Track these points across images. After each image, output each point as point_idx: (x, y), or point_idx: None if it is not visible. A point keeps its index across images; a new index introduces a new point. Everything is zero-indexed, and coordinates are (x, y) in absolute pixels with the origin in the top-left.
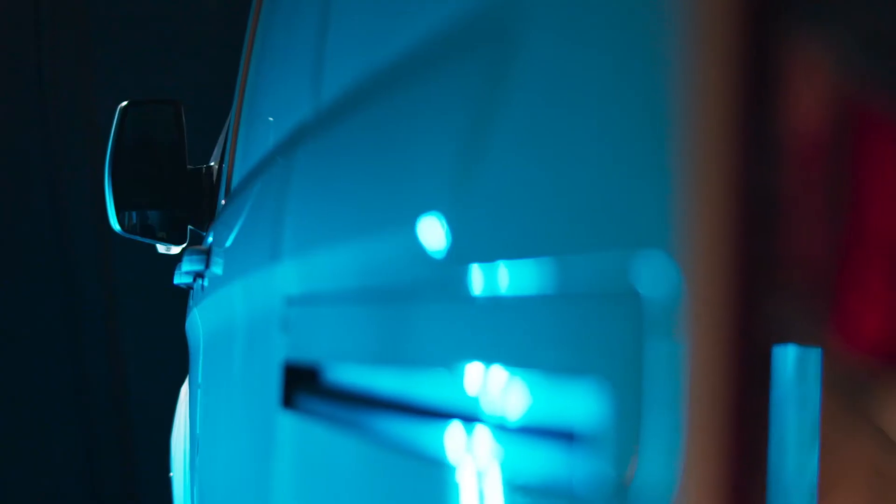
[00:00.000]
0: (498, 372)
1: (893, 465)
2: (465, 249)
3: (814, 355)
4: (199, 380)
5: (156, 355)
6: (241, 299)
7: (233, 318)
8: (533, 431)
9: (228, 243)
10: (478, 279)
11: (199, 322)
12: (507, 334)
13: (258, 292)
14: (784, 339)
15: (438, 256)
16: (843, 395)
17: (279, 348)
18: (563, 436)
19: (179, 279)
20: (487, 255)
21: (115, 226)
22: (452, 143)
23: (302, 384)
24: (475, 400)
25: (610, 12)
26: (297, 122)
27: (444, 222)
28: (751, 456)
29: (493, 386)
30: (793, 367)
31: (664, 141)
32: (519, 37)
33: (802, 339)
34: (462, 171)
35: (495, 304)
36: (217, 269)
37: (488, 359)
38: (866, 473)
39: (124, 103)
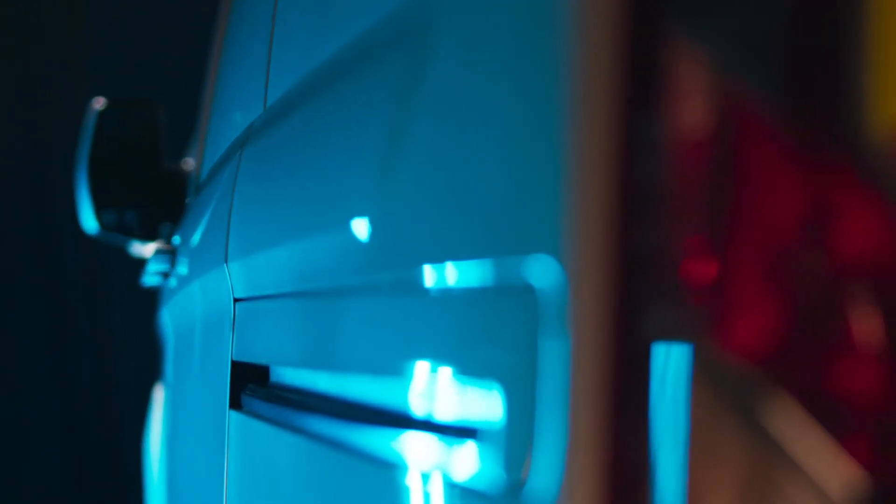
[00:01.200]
0: (410, 368)
1: (764, 461)
2: (381, 250)
3: (686, 352)
4: (168, 379)
5: (142, 354)
6: (199, 299)
7: (193, 317)
8: (441, 428)
9: (190, 242)
10: (391, 279)
11: (167, 322)
12: (418, 332)
13: (212, 292)
14: (663, 337)
15: (358, 258)
16: (717, 392)
17: (229, 348)
18: (466, 432)
19: (147, 279)
20: (400, 257)
21: (92, 226)
22: (372, 146)
23: (248, 384)
24: (390, 397)
25: (502, 14)
26: (247, 121)
27: (364, 224)
28: (632, 452)
29: (405, 383)
30: (668, 363)
31: (550, 142)
32: (428, 39)
33: (681, 337)
34: (380, 174)
35: (406, 303)
36: (181, 268)
37: (401, 356)
38: (738, 469)
39: (101, 103)
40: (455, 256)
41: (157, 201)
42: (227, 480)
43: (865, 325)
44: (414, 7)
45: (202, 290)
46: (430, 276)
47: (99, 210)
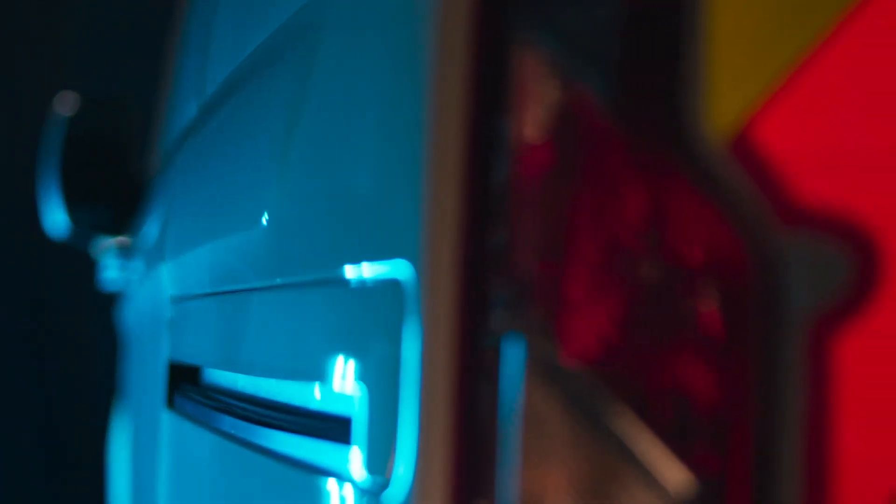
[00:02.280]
0: (290, 368)
1: (601, 458)
2: (271, 253)
3: (529, 350)
4: (120, 379)
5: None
6: (144, 297)
7: (139, 316)
8: (321, 427)
9: (138, 240)
10: (277, 282)
11: (121, 320)
12: (297, 333)
13: (153, 290)
14: (508, 335)
15: (254, 260)
16: (557, 389)
17: (166, 347)
18: (339, 430)
19: (103, 279)
20: (284, 259)
21: (60, 225)
22: (266, 150)
23: (181, 384)
24: (278, 396)
25: (369, 23)
26: (185, 120)
27: (257, 227)
28: (478, 449)
29: (289, 383)
30: (512, 361)
31: (407, 148)
32: (309, 48)
33: (525, 335)
34: (271, 178)
35: (286, 304)
36: (133, 266)
37: (284, 356)
38: (576, 462)
39: (69, 99)
40: (325, 258)
41: (129, 198)
42: (161, 481)
43: (700, 325)
44: (301, 15)
45: (146, 289)
46: (305, 277)
47: (70, 207)
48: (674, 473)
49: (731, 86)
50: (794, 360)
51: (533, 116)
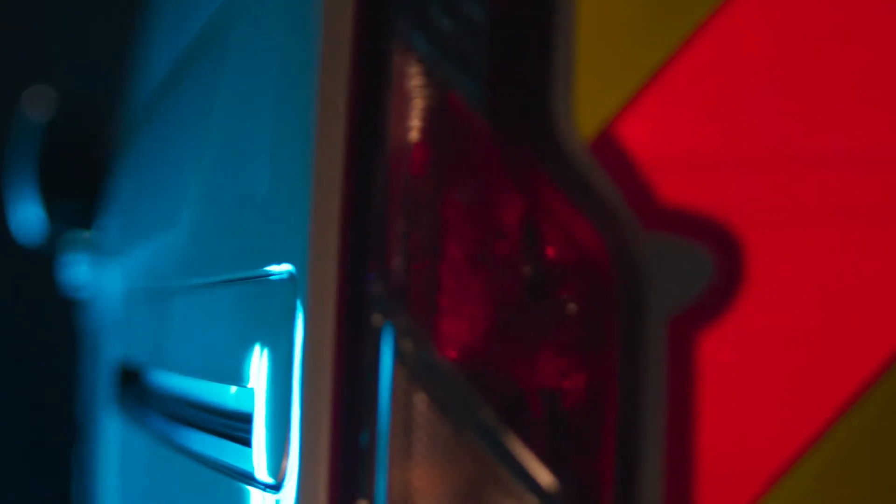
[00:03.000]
0: (198, 368)
1: (468, 455)
2: (181, 254)
3: (393, 349)
4: (83, 376)
5: None
6: (101, 295)
7: (98, 315)
8: (232, 420)
9: (99, 238)
10: (186, 283)
11: (83, 319)
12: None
13: (108, 286)
14: (384, 333)
15: (169, 260)
16: (426, 388)
17: (115, 346)
18: (239, 429)
19: (63, 278)
20: (197, 256)
21: (36, 223)
22: (177, 151)
23: (126, 382)
24: (190, 395)
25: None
26: (132, 117)
27: (171, 228)
28: (358, 443)
29: (198, 382)
30: (383, 359)
31: (295, 148)
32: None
33: (399, 335)
34: (180, 180)
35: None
36: (95, 264)
37: (190, 355)
38: (442, 463)
39: (38, 95)
40: (227, 259)
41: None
42: (108, 480)
43: (565, 325)
44: (213, 20)
45: (103, 284)
46: (212, 277)
47: (47, 203)
48: (541, 472)
49: (598, 88)
50: (658, 358)
51: (407, 119)
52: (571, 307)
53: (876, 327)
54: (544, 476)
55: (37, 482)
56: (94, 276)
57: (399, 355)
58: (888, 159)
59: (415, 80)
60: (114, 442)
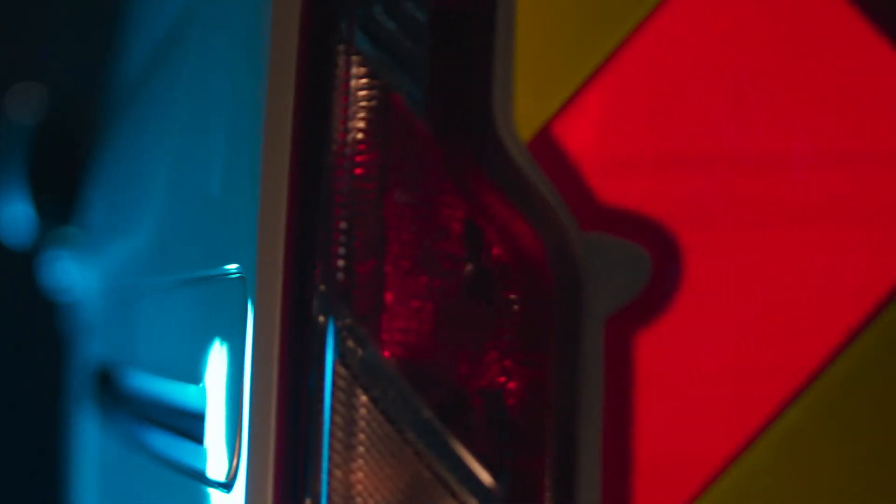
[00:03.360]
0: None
1: (408, 454)
2: (147, 253)
3: (335, 349)
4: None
5: None
6: (82, 296)
7: (78, 315)
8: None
9: (81, 234)
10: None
11: (66, 316)
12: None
13: (86, 289)
14: (326, 334)
15: (135, 259)
16: (366, 387)
17: (95, 345)
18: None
19: (43, 277)
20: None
21: (28, 221)
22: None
23: (102, 381)
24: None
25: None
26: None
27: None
28: (302, 442)
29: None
30: (327, 359)
31: (245, 150)
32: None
33: (341, 335)
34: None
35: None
36: (79, 260)
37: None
38: (383, 462)
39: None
40: (184, 259)
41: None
42: (81, 482)
43: (504, 325)
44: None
45: (83, 283)
46: (171, 277)
47: (36, 202)
48: (482, 472)
49: (537, 90)
50: (595, 358)
51: (351, 121)
52: (511, 307)
53: (812, 327)
54: (484, 476)
55: (18, 484)
56: (76, 275)
57: (342, 355)
58: (823, 159)
59: (358, 82)
60: (91, 443)
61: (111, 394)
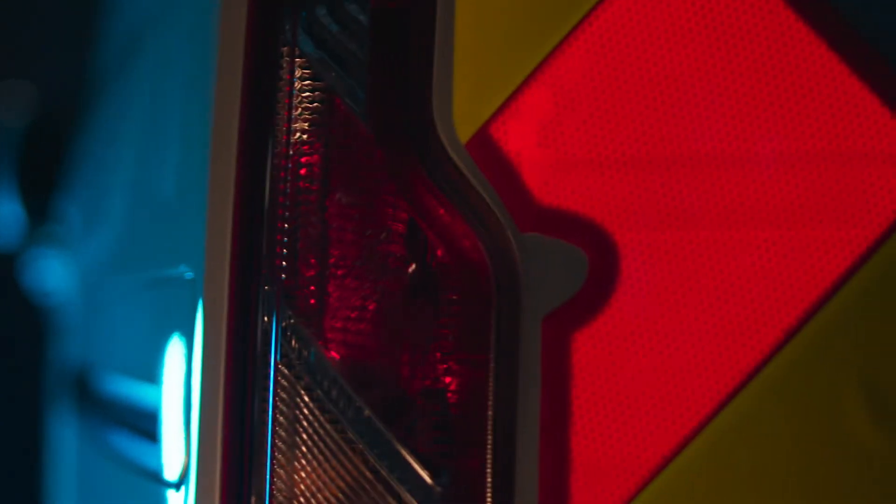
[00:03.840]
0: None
1: (349, 455)
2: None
3: (275, 350)
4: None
5: None
6: (63, 296)
7: (59, 315)
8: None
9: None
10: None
11: (46, 315)
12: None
13: (67, 289)
14: (268, 335)
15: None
16: (306, 388)
17: (72, 344)
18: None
19: (26, 275)
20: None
21: (19, 222)
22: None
23: (75, 383)
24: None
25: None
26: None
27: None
28: (247, 442)
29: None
30: (269, 360)
31: (196, 152)
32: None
33: (282, 336)
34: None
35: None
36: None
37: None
38: (324, 463)
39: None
40: (142, 260)
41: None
42: (58, 484)
43: (443, 326)
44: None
45: (64, 283)
46: (131, 278)
47: (28, 201)
48: (422, 471)
49: (476, 91)
50: (533, 358)
51: (294, 122)
52: (452, 308)
53: (748, 327)
54: (425, 475)
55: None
56: (56, 275)
57: (284, 355)
58: (758, 160)
59: (301, 84)
60: (67, 446)
61: (85, 395)
